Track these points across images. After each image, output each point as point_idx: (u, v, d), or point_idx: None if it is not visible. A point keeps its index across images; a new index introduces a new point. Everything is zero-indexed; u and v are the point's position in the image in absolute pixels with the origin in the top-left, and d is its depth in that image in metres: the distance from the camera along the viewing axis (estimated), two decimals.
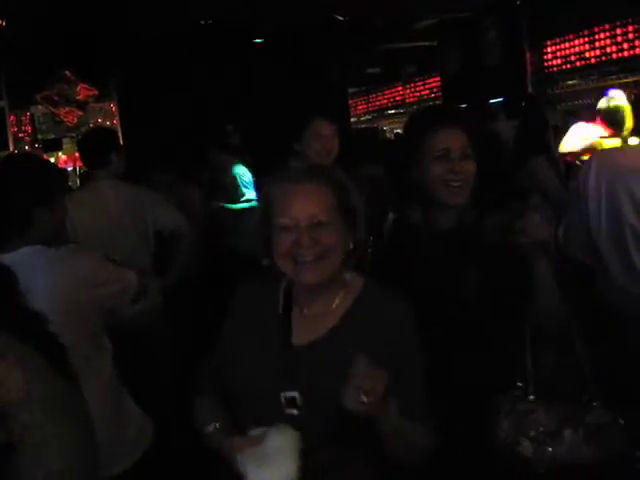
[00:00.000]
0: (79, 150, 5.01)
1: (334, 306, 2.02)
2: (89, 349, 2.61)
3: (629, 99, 7.73)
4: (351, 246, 2.00)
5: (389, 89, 13.66)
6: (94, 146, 4.52)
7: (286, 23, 9.35)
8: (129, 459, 2.69)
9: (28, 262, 2.42)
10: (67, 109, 10.01)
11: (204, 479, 2.72)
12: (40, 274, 2.44)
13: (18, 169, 2.76)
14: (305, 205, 1.93)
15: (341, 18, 9.38)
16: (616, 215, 2.79)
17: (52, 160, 10.11)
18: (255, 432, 1.82)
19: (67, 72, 9.82)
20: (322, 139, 4.03)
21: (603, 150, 3.09)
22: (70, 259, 2.64)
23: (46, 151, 10.15)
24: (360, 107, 14.73)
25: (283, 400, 1.92)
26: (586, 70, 8.88)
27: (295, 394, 1.91)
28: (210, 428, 1.99)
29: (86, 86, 10.00)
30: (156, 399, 3.43)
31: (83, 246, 2.82)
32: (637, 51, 8.19)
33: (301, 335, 2.01)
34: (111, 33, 8.92)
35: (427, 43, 11.90)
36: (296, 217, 1.92)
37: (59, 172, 2.66)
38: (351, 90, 14.35)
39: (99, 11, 7.83)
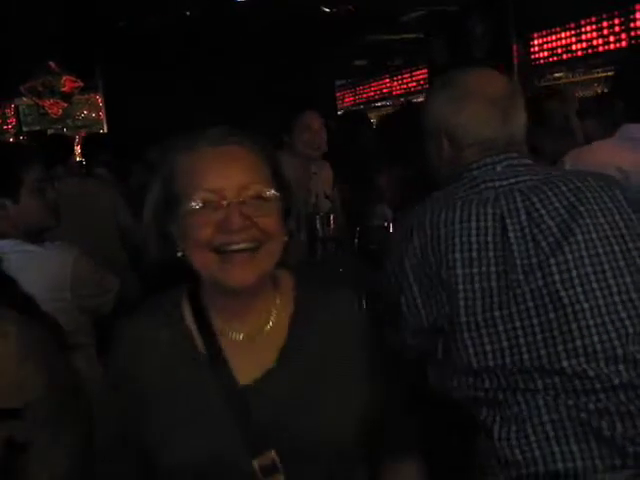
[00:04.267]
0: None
1: (273, 318, 1.49)
2: None
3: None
4: (285, 235, 1.45)
5: (376, 81, 13.63)
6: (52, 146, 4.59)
7: (272, 15, 9.28)
8: None
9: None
10: (52, 101, 9.94)
11: None
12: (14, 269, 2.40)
13: None
14: (233, 171, 1.38)
15: (328, 10, 9.35)
16: None
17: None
18: None
19: (51, 63, 9.73)
20: (311, 132, 4.14)
21: (577, 148, 3.06)
22: (51, 257, 2.61)
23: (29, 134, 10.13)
24: (347, 99, 14.70)
25: (258, 470, 1.36)
26: (572, 63, 8.90)
27: (271, 455, 1.36)
28: None
29: (71, 78, 9.92)
30: None
31: (65, 244, 2.76)
32: (623, 44, 8.21)
33: (242, 372, 1.43)
34: (96, 24, 8.86)
35: (414, 35, 11.88)
36: (220, 188, 1.35)
37: (34, 161, 2.59)
38: (338, 82, 14.31)
39: (85, 2, 7.77)
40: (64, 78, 9.87)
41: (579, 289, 1.66)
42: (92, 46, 9.53)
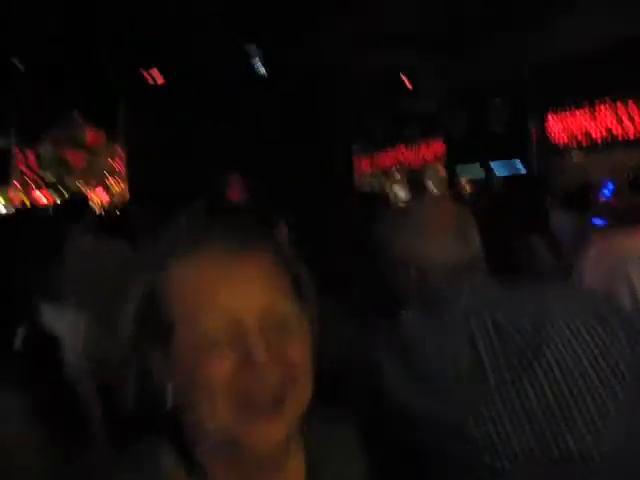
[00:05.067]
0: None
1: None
2: None
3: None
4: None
5: (393, 149, 13.80)
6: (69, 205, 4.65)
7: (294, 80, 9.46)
8: None
9: None
10: (74, 151, 10.09)
11: None
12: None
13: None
14: (254, 289, 1.01)
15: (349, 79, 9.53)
16: (611, 297, 2.79)
17: (54, 195, 10.24)
18: None
19: (75, 114, 9.89)
20: None
21: (603, 233, 3.08)
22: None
23: (48, 188, 10.26)
24: (364, 165, 14.84)
25: None
26: (589, 143, 9.00)
27: None
28: None
29: (94, 129, 10.08)
30: None
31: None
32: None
33: None
34: (121, 76, 9.04)
35: (433, 105, 12.06)
36: (238, 311, 0.98)
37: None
38: (355, 147, 14.47)
39: (110, 56, 7.95)
40: (87, 130, 10.04)
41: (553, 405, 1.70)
42: (115, 98, 9.70)
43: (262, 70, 7.67)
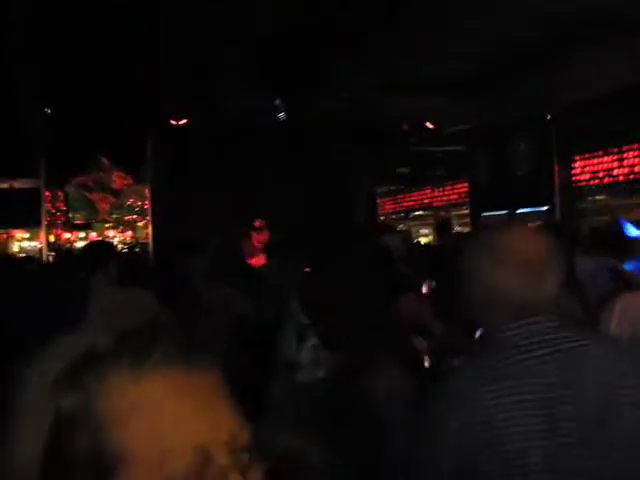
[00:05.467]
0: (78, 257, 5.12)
1: None
2: None
3: None
4: None
5: (417, 191, 13.83)
6: (93, 253, 4.61)
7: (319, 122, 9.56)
8: None
9: None
10: (101, 195, 10.23)
11: None
12: None
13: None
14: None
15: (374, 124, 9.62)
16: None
17: (82, 236, 10.36)
18: None
19: (104, 159, 10.05)
20: None
21: (629, 292, 3.06)
22: None
23: (76, 229, 10.40)
24: (388, 206, 14.88)
25: None
26: (614, 187, 8.97)
27: None
28: None
29: (121, 174, 10.22)
30: None
31: None
32: None
33: None
34: (147, 122, 9.19)
35: (458, 148, 12.11)
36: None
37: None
38: (379, 189, 14.52)
39: (137, 101, 8.09)
40: (114, 174, 10.18)
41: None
42: (142, 141, 9.85)
43: (283, 116, 7.75)
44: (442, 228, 8.47)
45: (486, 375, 1.79)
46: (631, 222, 7.11)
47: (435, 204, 13.20)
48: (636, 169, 8.66)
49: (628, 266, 4.68)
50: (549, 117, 9.71)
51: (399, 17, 5.65)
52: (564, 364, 1.77)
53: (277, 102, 7.67)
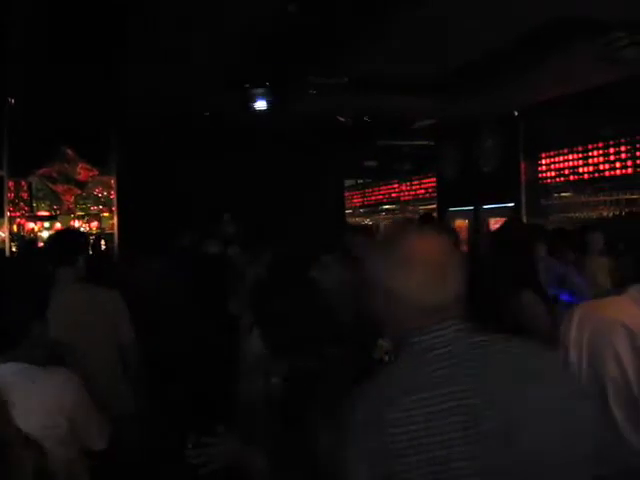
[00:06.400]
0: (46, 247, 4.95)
1: None
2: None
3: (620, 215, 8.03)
4: None
5: (385, 185, 13.86)
6: (62, 245, 4.46)
7: (287, 119, 9.51)
8: None
9: (10, 380, 2.38)
10: (66, 187, 10.09)
11: None
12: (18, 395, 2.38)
13: (20, 280, 2.75)
14: None
15: (342, 119, 9.58)
16: (597, 368, 2.79)
17: (47, 226, 10.23)
18: None
19: (68, 150, 9.90)
20: None
21: (586, 302, 3.08)
22: (52, 386, 2.58)
23: (41, 219, 10.26)
24: (355, 200, 14.90)
25: None
26: (579, 184, 9.07)
27: None
28: None
29: (87, 166, 10.08)
30: None
31: (67, 371, 2.74)
32: (629, 170, 8.39)
33: None
34: (113, 114, 9.09)
35: (425, 142, 12.14)
36: None
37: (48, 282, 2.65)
38: (347, 183, 14.54)
39: (102, 93, 7.99)
40: (79, 165, 10.03)
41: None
42: (107, 133, 9.74)
43: (260, 107, 7.69)
44: (425, 222, 8.24)
45: (401, 386, 1.76)
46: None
47: (403, 198, 13.24)
48: (601, 167, 8.77)
49: (564, 296, 4.71)
50: (516, 114, 9.78)
51: (368, 16, 5.63)
52: (477, 368, 1.75)
53: (246, 96, 7.60)
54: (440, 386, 1.71)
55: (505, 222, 7.54)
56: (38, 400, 2.49)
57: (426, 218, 8.35)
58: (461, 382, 1.72)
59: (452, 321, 1.79)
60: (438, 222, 8.61)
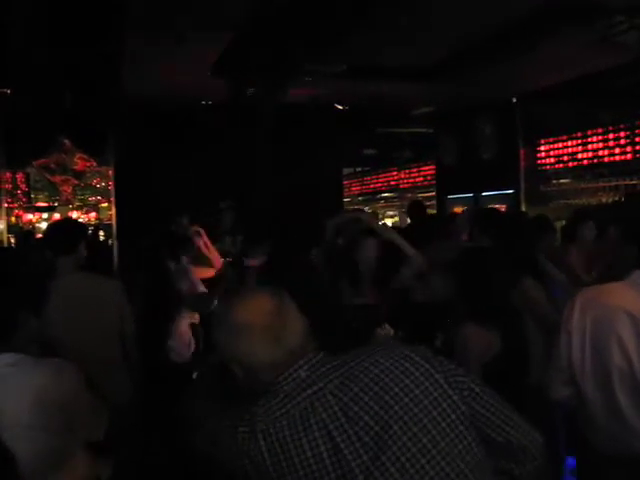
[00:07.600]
0: (45, 236, 4.90)
1: None
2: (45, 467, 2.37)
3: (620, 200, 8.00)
4: None
5: (384, 172, 13.82)
6: (62, 234, 4.43)
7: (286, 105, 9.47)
8: None
9: (3, 372, 2.34)
10: (63, 178, 10.06)
11: None
12: (8, 387, 2.34)
13: (10, 269, 2.70)
14: None
15: (340, 107, 9.54)
16: (601, 354, 2.78)
17: (45, 217, 10.20)
18: None
19: (65, 141, 9.86)
20: None
21: (589, 288, 3.06)
22: (45, 377, 2.54)
23: (39, 210, 10.24)
24: (354, 188, 14.85)
25: None
26: (578, 170, 9.04)
27: None
28: None
29: (84, 156, 10.05)
30: None
31: (62, 362, 2.68)
32: (629, 156, 8.35)
33: None
34: (110, 103, 9.04)
35: (424, 130, 12.09)
36: None
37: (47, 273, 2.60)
38: (346, 171, 14.48)
39: (99, 82, 7.95)
40: (77, 156, 10.00)
41: (416, 476, 1.75)
42: (105, 124, 9.69)
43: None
44: (414, 209, 8.13)
45: (269, 419, 1.83)
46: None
47: (402, 186, 13.20)
48: (600, 153, 8.73)
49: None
50: (515, 101, 9.74)
51: (364, 3, 5.59)
52: (338, 392, 1.83)
53: (244, 84, 7.56)
54: (306, 417, 1.80)
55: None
56: (32, 391, 2.45)
57: (415, 206, 8.23)
58: (324, 409, 1.80)
59: (300, 363, 1.87)
60: (424, 208, 8.48)
